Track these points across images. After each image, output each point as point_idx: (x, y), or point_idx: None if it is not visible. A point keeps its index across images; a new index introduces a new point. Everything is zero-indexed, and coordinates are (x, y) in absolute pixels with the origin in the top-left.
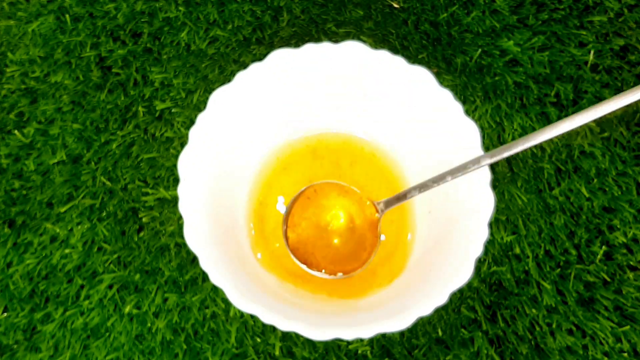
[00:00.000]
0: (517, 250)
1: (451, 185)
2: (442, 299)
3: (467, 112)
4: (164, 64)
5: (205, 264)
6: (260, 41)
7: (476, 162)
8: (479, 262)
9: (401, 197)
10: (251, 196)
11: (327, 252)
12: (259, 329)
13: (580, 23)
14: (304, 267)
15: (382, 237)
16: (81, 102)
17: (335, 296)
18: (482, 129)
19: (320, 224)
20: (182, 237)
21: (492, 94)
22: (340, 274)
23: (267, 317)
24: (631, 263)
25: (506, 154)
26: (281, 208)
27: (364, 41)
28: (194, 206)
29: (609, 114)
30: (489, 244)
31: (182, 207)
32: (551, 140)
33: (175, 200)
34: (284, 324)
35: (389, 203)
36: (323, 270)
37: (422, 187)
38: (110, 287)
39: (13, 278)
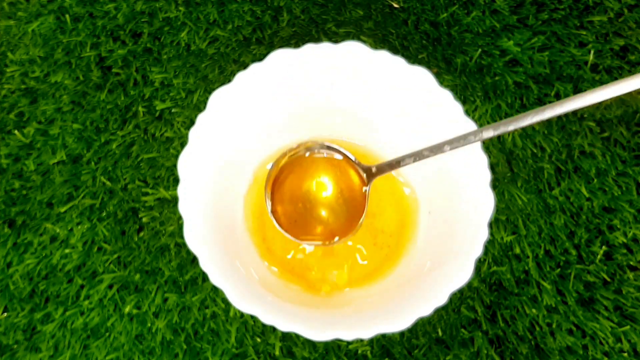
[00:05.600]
0: (517, 250)
1: (451, 185)
2: (442, 299)
3: (467, 112)
4: (164, 64)
5: (205, 265)
6: (260, 41)
7: (477, 133)
8: (479, 262)
9: (394, 164)
10: (251, 196)
11: (311, 220)
12: (259, 329)
13: (580, 23)
14: (288, 236)
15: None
16: (81, 102)
17: (335, 296)
18: None
19: (305, 190)
20: (182, 237)
21: (492, 94)
22: (326, 242)
23: (267, 318)
24: (631, 263)
25: (511, 127)
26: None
27: (364, 41)
28: (194, 206)
29: (611, 114)
30: (489, 244)
31: (182, 208)
32: (551, 139)
33: (175, 200)
34: (284, 325)
35: (380, 169)
36: (306, 239)
37: (417, 155)
38: (110, 287)
39: (13, 278)
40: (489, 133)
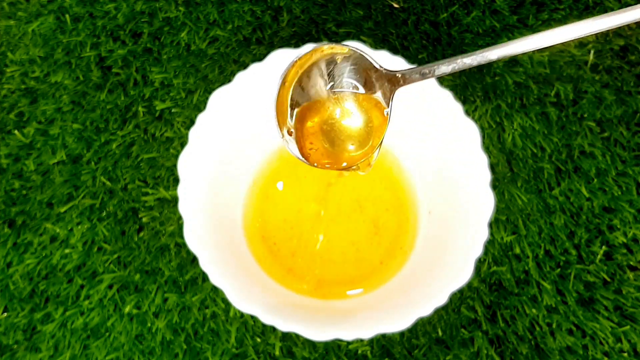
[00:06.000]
0: (517, 250)
1: (451, 185)
2: (442, 299)
3: (467, 112)
4: (164, 64)
5: (205, 265)
6: (260, 41)
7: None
8: (479, 262)
9: (427, 73)
10: (251, 195)
11: (328, 144)
12: (259, 329)
13: None
14: (301, 158)
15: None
16: (81, 102)
17: (336, 296)
18: (482, 129)
19: (321, 115)
20: (182, 237)
21: (492, 94)
22: (343, 163)
23: (267, 318)
24: (631, 263)
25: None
26: (281, 208)
27: (364, 41)
28: (194, 206)
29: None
30: (489, 244)
31: (182, 208)
32: (551, 139)
33: (175, 200)
34: (284, 325)
35: (408, 78)
36: (315, 164)
37: (452, 62)
38: (110, 287)
39: (13, 278)
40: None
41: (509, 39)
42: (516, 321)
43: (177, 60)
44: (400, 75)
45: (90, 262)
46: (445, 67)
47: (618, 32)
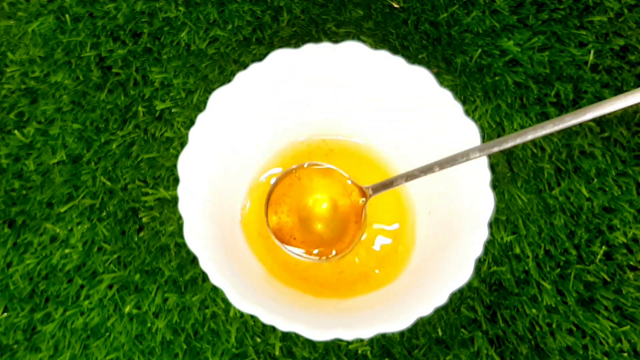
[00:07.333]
0: (517, 250)
1: (451, 185)
2: (442, 299)
3: (467, 112)
4: (164, 64)
5: (205, 265)
6: (260, 41)
7: (465, 155)
8: (479, 262)
9: (387, 184)
10: (251, 195)
11: (309, 236)
12: (259, 329)
13: (580, 23)
14: (284, 247)
15: (387, 228)
16: (81, 102)
17: (336, 296)
18: (482, 129)
19: (303, 208)
20: (182, 237)
21: (492, 94)
22: (323, 257)
23: (267, 318)
24: (631, 263)
25: (496, 149)
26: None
27: (364, 41)
28: (194, 206)
29: (609, 114)
30: (489, 244)
31: (182, 207)
32: (551, 139)
33: (175, 200)
34: (284, 325)
35: (375, 189)
36: (303, 251)
37: (409, 176)
38: (110, 287)
39: (13, 278)
40: (475, 154)
41: (509, 39)
42: (516, 321)
43: (177, 60)
44: (370, 189)
45: (90, 262)
46: (401, 180)
47: (618, 32)
